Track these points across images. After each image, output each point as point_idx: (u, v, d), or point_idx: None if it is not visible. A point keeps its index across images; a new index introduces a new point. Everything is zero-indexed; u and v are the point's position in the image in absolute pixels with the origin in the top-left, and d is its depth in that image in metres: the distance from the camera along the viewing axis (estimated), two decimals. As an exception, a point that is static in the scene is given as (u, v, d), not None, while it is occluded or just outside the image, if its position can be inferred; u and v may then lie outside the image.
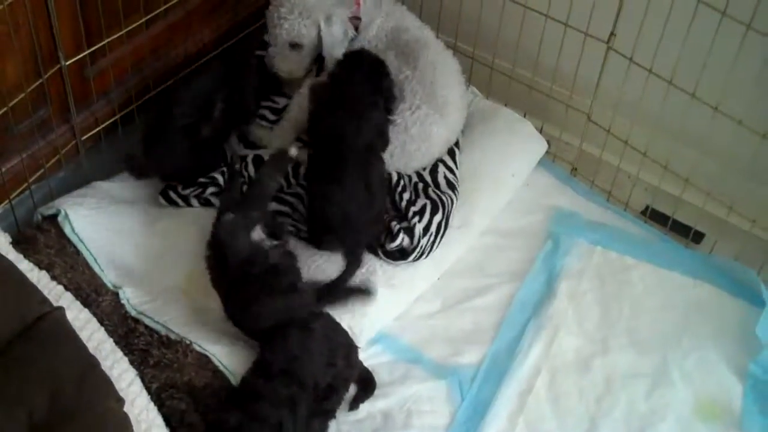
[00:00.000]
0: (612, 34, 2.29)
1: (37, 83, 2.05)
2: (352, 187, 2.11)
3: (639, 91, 2.28)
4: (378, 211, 2.18)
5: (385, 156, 2.26)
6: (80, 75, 2.18)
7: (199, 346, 1.91)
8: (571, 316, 2.21)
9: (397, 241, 2.14)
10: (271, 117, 2.42)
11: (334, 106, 2.19)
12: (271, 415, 1.69)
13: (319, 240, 2.17)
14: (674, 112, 2.26)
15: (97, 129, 2.27)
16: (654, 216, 2.49)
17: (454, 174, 2.36)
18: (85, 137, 2.25)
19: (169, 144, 2.20)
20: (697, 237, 2.44)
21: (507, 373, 2.05)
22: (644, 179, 2.46)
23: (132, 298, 2.01)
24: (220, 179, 2.27)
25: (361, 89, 2.20)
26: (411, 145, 2.31)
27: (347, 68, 2.24)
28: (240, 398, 1.75)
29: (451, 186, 2.32)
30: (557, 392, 2.04)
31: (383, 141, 2.24)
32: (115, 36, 2.18)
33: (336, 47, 2.35)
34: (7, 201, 2.09)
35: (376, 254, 2.18)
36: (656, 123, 2.31)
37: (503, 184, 2.43)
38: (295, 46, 2.36)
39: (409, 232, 2.16)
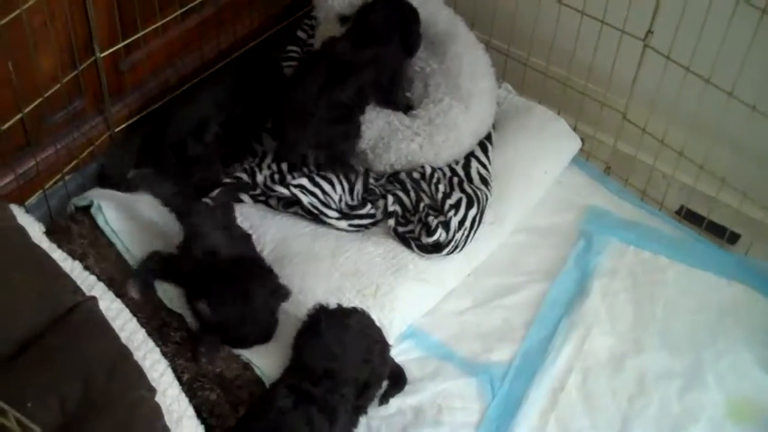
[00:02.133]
0: (649, 31, 2.26)
1: (72, 75, 2.05)
2: (311, 83, 2.18)
3: (675, 89, 2.25)
4: (349, 126, 2.23)
5: (414, 146, 2.27)
6: (115, 67, 2.19)
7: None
8: (604, 315, 2.18)
9: (435, 236, 2.12)
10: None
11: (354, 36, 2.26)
12: (319, 417, 1.69)
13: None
14: (711, 111, 2.23)
15: (131, 120, 2.28)
16: (689, 216, 2.46)
17: (486, 169, 2.34)
18: (118, 129, 2.25)
19: (158, 162, 2.20)
20: (733, 238, 2.41)
21: (538, 371, 2.04)
22: (679, 178, 2.42)
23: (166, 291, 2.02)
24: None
25: (384, 23, 2.26)
26: (438, 137, 2.31)
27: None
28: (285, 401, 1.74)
29: (485, 181, 2.30)
30: (589, 391, 2.02)
31: (394, 81, 2.30)
32: (151, 28, 2.18)
33: None
34: (41, 191, 2.10)
35: (409, 247, 2.17)
36: (692, 121, 2.28)
37: (536, 182, 2.41)
38: (344, 19, 2.35)
39: (445, 225, 2.14)
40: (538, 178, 2.42)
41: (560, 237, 2.36)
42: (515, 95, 2.57)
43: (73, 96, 2.12)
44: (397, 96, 2.36)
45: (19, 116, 1.94)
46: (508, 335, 2.13)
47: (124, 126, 2.27)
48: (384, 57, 2.28)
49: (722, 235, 2.39)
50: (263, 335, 1.96)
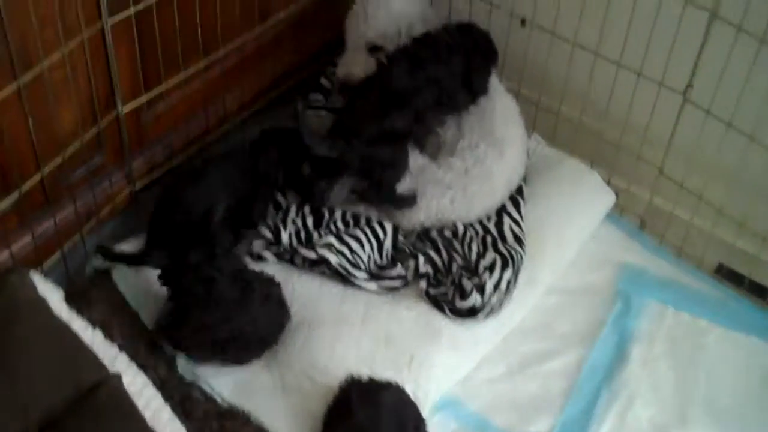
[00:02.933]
0: (689, 85, 2.18)
1: (94, 131, 1.97)
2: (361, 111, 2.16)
3: (715, 144, 2.18)
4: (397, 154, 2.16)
5: (445, 201, 2.18)
6: (136, 120, 2.10)
7: (257, 419, 1.83)
8: (646, 383, 2.08)
9: (470, 301, 2.04)
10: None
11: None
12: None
13: None
14: (753, 167, 2.16)
15: (153, 176, 2.19)
16: (728, 275, 2.37)
17: (520, 227, 2.26)
18: (140, 185, 2.16)
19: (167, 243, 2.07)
20: None
21: (581, 445, 1.95)
22: (718, 235, 2.33)
23: (187, 361, 1.92)
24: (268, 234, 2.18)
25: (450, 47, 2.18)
26: (472, 186, 2.22)
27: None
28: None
29: (519, 240, 2.22)
30: (634, 466, 1.93)
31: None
32: (174, 80, 2.10)
33: None
34: (59, 250, 2.01)
35: (443, 311, 2.07)
36: (732, 177, 2.21)
37: (569, 239, 2.32)
38: (373, 49, 2.27)
39: (480, 289, 2.05)
40: (572, 234, 2.33)
41: (595, 298, 2.27)
42: (545, 146, 2.48)
43: (93, 151, 2.03)
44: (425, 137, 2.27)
45: (39, 177, 1.85)
46: (546, 405, 2.03)
47: (146, 181, 2.17)
48: (444, 80, 2.19)
49: (764, 295, 2.29)
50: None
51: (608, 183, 2.43)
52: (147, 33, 1.98)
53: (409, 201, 2.20)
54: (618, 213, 2.46)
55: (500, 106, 2.29)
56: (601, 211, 2.40)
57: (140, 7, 1.91)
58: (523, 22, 2.39)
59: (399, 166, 2.18)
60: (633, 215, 2.47)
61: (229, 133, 2.31)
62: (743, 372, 2.12)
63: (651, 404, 2.04)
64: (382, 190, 2.19)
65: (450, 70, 2.19)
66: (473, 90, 2.23)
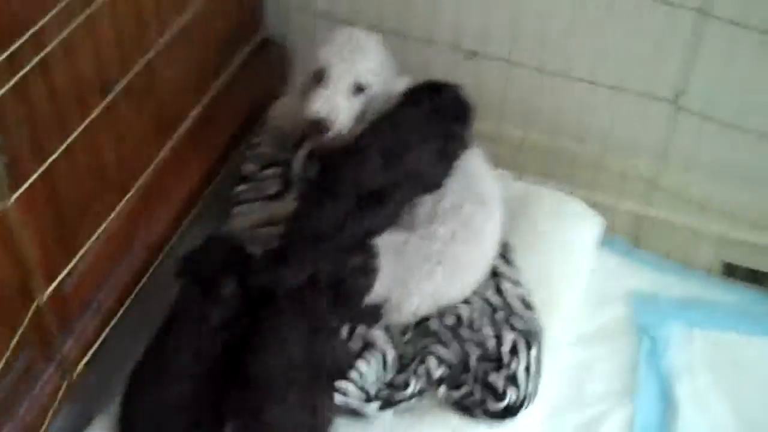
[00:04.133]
0: (681, 91, 1.96)
1: (17, 336, 1.53)
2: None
3: (713, 146, 2.00)
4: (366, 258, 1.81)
5: (438, 279, 1.86)
6: (58, 295, 1.67)
7: None
8: (703, 424, 1.89)
9: (506, 400, 1.75)
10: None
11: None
12: None
13: None
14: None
15: (89, 354, 1.76)
16: (740, 274, 2.19)
17: (521, 286, 1.96)
18: (77, 370, 1.74)
19: None
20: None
21: None
22: (720, 234, 2.14)
23: None
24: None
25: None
26: (464, 256, 1.89)
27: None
28: None
29: (528, 305, 1.92)
30: None
31: None
32: (95, 236, 1.68)
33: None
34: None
35: (471, 415, 1.77)
36: (731, 174, 2.02)
37: (570, 282, 2.05)
38: (359, 90, 1.92)
39: (512, 380, 1.77)
40: (572, 275, 2.06)
41: (616, 340, 2.06)
42: (513, 180, 2.19)
43: (16, 354, 1.59)
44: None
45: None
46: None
47: (83, 362, 1.75)
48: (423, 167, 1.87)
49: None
50: None
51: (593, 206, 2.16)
52: (54, 194, 1.56)
53: (375, 314, 1.87)
54: (609, 235, 2.20)
55: (471, 154, 1.97)
56: (593, 239, 2.14)
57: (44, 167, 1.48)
58: (472, 54, 2.07)
59: (371, 272, 1.84)
60: (625, 234, 2.22)
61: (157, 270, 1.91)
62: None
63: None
64: (349, 304, 1.84)
65: (428, 151, 1.86)
66: (451, 159, 1.90)
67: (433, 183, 1.88)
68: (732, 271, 2.20)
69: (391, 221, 1.85)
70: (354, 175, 1.81)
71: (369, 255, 1.81)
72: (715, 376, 1.98)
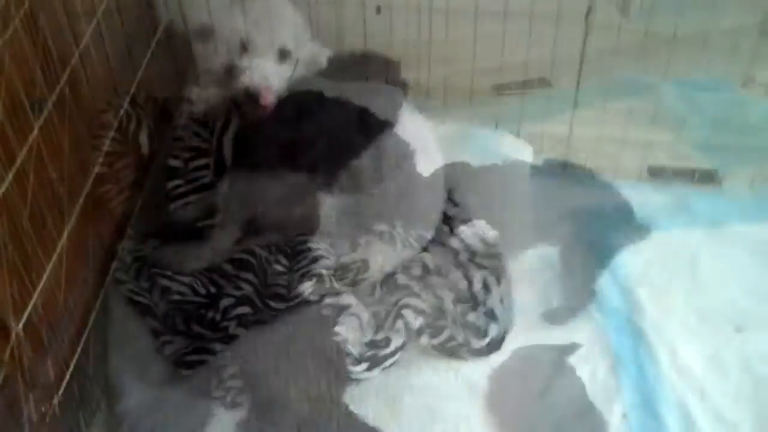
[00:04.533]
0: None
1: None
2: None
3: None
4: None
5: (399, 246, 1.89)
6: (31, 322, 1.60)
7: None
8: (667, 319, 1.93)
9: (489, 336, 1.81)
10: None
11: None
12: None
13: None
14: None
15: (67, 374, 1.71)
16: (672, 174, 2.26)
17: (473, 225, 2.00)
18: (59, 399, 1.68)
19: None
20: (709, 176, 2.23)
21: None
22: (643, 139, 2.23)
23: None
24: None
25: None
26: (418, 204, 1.97)
27: None
28: None
29: (485, 241, 1.96)
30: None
31: None
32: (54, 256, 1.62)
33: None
34: None
35: (457, 356, 1.81)
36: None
37: (513, 211, 2.10)
38: (284, 56, 1.91)
39: (491, 314, 1.83)
40: (514, 208, 2.10)
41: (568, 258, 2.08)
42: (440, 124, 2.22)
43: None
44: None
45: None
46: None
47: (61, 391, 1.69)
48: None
49: (714, 179, 2.22)
50: None
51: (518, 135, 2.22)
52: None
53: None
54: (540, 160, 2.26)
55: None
56: (525, 169, 2.19)
57: None
58: (378, 9, 2.07)
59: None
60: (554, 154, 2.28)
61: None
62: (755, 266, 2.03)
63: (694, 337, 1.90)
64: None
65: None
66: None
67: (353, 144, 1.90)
68: (661, 173, 2.27)
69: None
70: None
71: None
72: (669, 274, 2.02)
